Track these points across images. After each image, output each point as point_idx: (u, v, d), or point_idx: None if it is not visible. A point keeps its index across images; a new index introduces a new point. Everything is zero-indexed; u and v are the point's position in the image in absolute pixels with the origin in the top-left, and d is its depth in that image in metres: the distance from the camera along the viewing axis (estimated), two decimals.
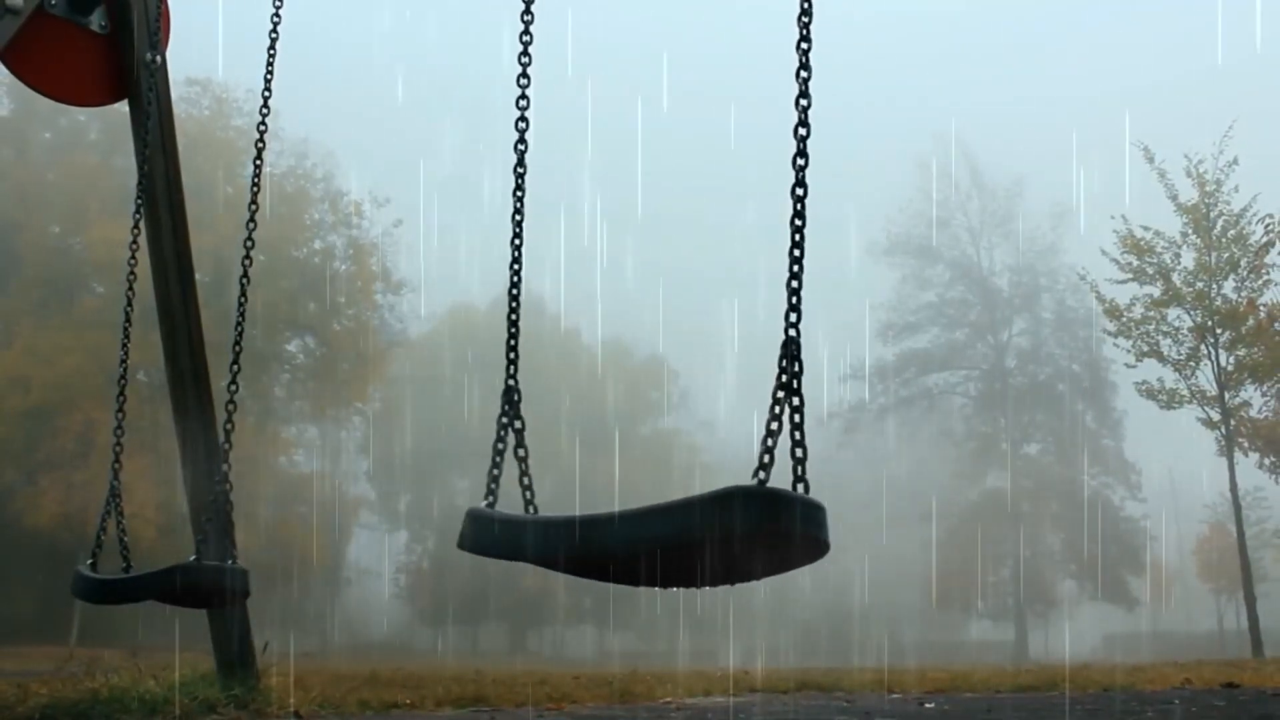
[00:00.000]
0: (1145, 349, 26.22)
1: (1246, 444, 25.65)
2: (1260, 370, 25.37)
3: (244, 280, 4.96)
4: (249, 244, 4.99)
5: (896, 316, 51.61)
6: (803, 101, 2.67)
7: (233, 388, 4.82)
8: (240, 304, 4.95)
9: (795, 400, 2.46)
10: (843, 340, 48.55)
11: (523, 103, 3.26)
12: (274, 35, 5.11)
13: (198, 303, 5.92)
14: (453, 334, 46.54)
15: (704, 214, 62.01)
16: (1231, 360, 25.74)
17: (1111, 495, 49.49)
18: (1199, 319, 25.90)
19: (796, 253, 2.61)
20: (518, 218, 3.26)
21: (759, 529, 2.31)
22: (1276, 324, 25.15)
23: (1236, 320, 25.42)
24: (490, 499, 2.85)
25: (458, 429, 41.71)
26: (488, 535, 2.72)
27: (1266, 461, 25.71)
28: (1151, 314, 26.44)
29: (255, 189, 5.10)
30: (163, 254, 5.76)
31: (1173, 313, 26.33)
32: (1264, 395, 25.86)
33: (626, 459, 46.72)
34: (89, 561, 4.96)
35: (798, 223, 2.62)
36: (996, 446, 50.07)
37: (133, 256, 5.25)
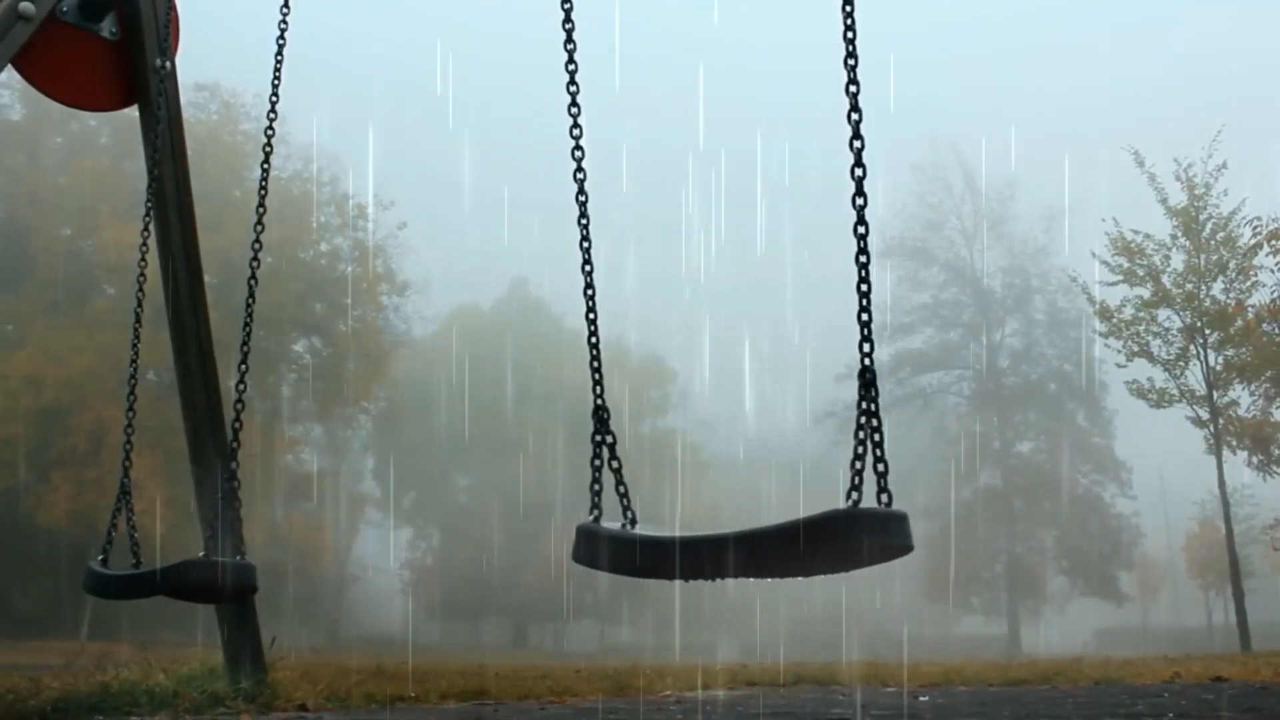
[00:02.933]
0: (1135, 349, 26.35)
1: (1235, 442, 25.72)
2: (1248, 370, 25.49)
3: (252, 282, 5.00)
4: (256, 246, 4.99)
5: (891, 317, 51.50)
6: (856, 143, 2.75)
7: (240, 387, 4.83)
8: (248, 305, 5.00)
9: (875, 422, 2.61)
10: (838, 341, 48.74)
11: (576, 132, 3.33)
12: (281, 42, 5.15)
13: (206, 304, 5.91)
14: (456, 335, 46.71)
15: (704, 217, 62.26)
16: (1220, 360, 25.92)
17: (1102, 493, 49.88)
18: (1188, 320, 26.05)
19: (864, 288, 2.69)
20: (585, 244, 3.31)
21: (863, 546, 2.52)
22: (1264, 325, 25.24)
23: (1225, 321, 25.58)
24: (596, 513, 3.00)
25: (461, 428, 41.92)
26: (605, 552, 2.88)
27: (1254, 459, 25.76)
28: (1142, 315, 26.53)
29: (262, 192, 5.10)
30: (172, 256, 5.77)
31: (1162, 314, 26.46)
32: (1252, 394, 25.95)
33: (626, 457, 46.66)
34: (100, 557, 5.00)
35: (862, 259, 2.70)
36: (989, 445, 50.26)
37: (143, 258, 5.26)
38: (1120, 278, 26.80)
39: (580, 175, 3.31)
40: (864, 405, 2.62)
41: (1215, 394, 25.71)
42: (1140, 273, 26.56)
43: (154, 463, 28.00)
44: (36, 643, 22.43)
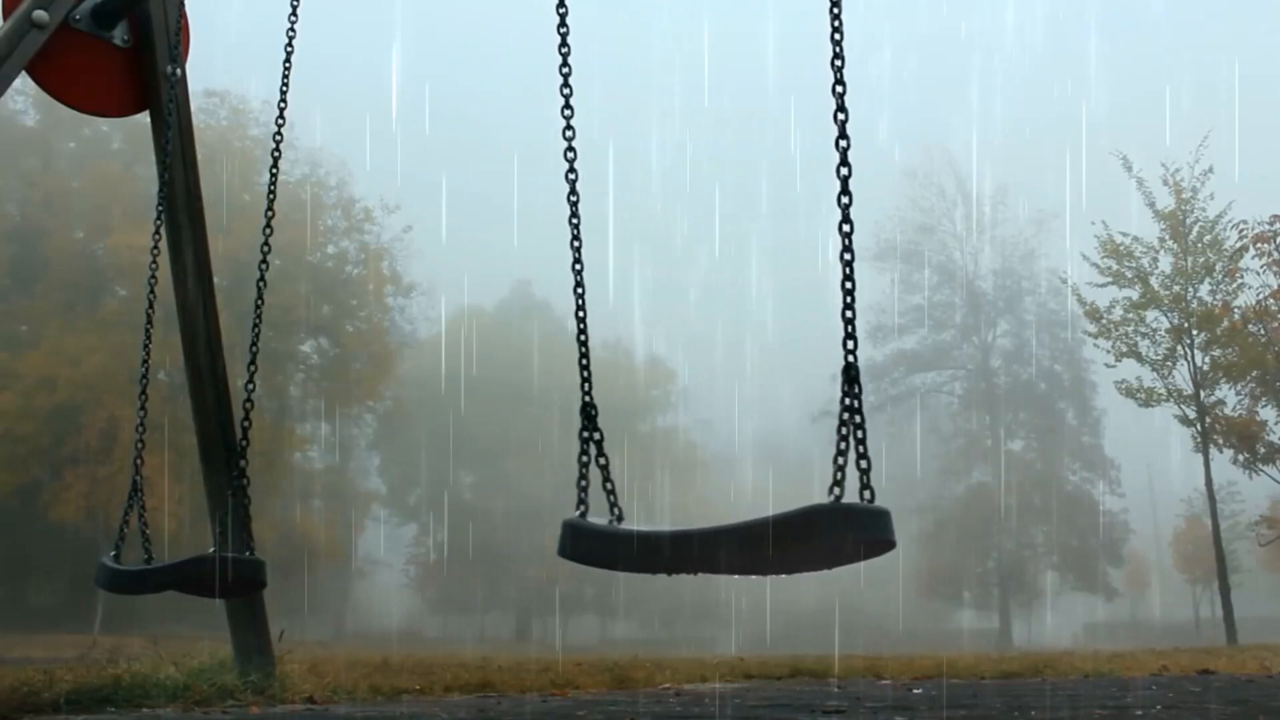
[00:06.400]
0: (1124, 349, 26.78)
1: (1221, 440, 26.20)
2: (1234, 370, 26.02)
3: (260, 284, 5.04)
4: (265, 249, 5.05)
5: (886, 319, 52.06)
6: (842, 143, 2.79)
7: (249, 386, 4.91)
8: (257, 306, 5.05)
9: (858, 419, 2.61)
10: (834, 341, 49.18)
11: (569, 133, 3.34)
12: (289, 49, 5.21)
13: (216, 305, 5.90)
14: (461, 335, 47.03)
15: (702, 220, 62.77)
16: (1207, 360, 26.42)
17: (1092, 490, 50.49)
18: (1176, 321, 26.51)
19: (849, 285, 2.70)
20: (576, 244, 3.32)
21: (844, 539, 2.51)
22: (1250, 325, 25.87)
23: (1212, 322, 26.05)
24: (582, 509, 2.96)
25: (465, 426, 42.17)
26: (589, 546, 2.87)
27: (1240, 457, 26.33)
28: (1130, 316, 26.95)
29: (271, 196, 5.16)
30: (182, 258, 5.77)
31: (1151, 315, 26.87)
32: (1238, 394, 26.51)
33: (627, 456, 47.05)
34: (112, 553, 5.03)
35: (847, 256, 2.72)
36: (982, 443, 50.95)
37: (154, 261, 5.31)
38: (1109, 280, 27.24)
39: (572, 176, 3.31)
40: (847, 401, 2.63)
41: (1202, 393, 26.15)
42: (1129, 275, 27.00)
43: (165, 460, 28.12)
44: (50, 636, 22.65)
